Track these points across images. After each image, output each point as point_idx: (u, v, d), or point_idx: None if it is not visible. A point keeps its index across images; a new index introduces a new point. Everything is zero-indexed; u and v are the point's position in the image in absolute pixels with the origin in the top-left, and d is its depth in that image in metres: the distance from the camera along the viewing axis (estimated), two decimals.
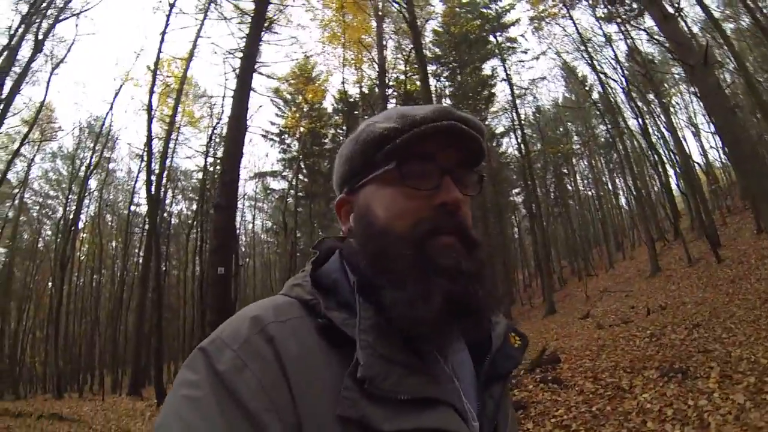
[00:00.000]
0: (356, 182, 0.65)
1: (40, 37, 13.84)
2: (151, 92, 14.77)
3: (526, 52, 21.75)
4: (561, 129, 29.51)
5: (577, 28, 19.47)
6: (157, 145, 16.55)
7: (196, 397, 0.47)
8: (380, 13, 15.63)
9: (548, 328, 13.51)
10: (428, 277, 0.55)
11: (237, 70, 9.09)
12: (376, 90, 16.94)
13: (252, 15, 9.92)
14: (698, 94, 11.89)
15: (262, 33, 10.95)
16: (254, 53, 9.09)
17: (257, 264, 33.65)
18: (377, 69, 15.40)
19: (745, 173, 7.97)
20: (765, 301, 6.87)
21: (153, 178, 13.92)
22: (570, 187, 31.23)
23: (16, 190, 22.50)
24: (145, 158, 14.51)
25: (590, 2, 19.51)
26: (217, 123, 17.87)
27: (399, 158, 0.59)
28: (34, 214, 27.05)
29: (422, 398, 0.51)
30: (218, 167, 13.35)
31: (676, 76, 22.08)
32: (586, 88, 24.70)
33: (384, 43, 16.18)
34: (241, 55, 9.52)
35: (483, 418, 0.60)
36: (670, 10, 10.94)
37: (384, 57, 15.95)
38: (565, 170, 29.52)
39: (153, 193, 13.34)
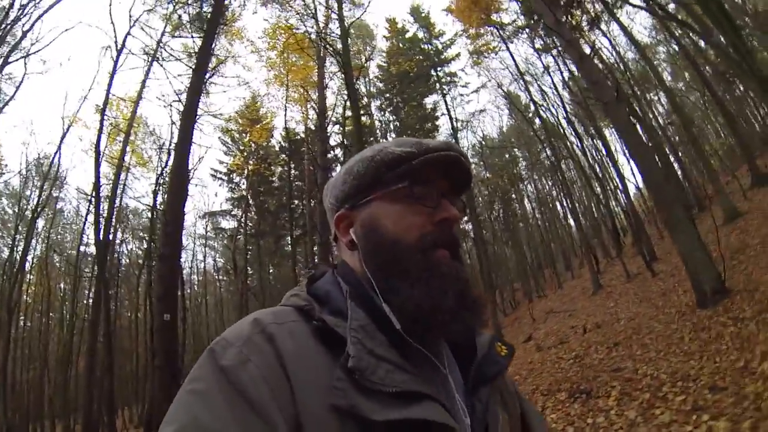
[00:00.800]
0: (362, 198, 0.73)
1: None
2: (99, 134, 15.14)
3: (466, 86, 23.28)
4: (507, 156, 31.25)
5: (514, 60, 21.01)
6: (105, 186, 17.05)
7: (201, 390, 0.52)
8: (321, 55, 16.76)
9: None
10: (439, 277, 0.66)
11: (177, 123, 9.96)
12: (314, 129, 17.94)
13: (193, 68, 10.85)
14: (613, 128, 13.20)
15: (204, 84, 11.92)
16: (195, 107, 9.86)
17: (210, 302, 33.66)
18: (317, 110, 16.43)
19: (657, 201, 8.92)
20: (682, 314, 7.37)
21: (101, 221, 14.41)
22: (519, 211, 32.92)
23: None
24: (93, 202, 14.92)
25: (529, 35, 21.22)
26: (165, 164, 18.38)
27: (411, 179, 0.70)
28: None
29: (409, 392, 0.56)
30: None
31: None
32: (529, 115, 26.53)
33: (325, 83, 17.26)
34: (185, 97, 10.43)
35: (473, 418, 0.66)
36: (587, 50, 12.47)
37: (324, 97, 17.00)
38: (513, 195, 31.28)
39: (101, 238, 13.79)
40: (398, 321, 0.63)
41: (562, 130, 21.82)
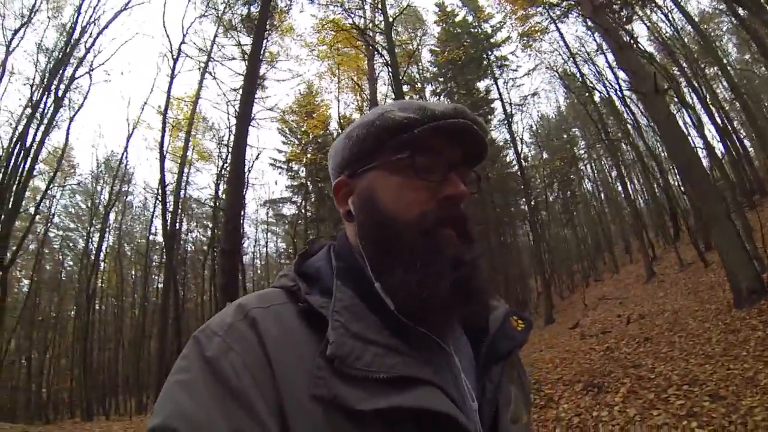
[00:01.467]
0: (361, 166, 0.70)
1: (60, 93, 15.77)
2: (163, 133, 16.47)
3: (517, 69, 23.06)
4: (565, 135, 30.56)
5: (565, 41, 20.62)
6: (170, 181, 18.50)
7: (186, 381, 0.53)
8: (370, 47, 17.22)
9: (542, 338, 13.93)
10: (436, 263, 0.61)
11: (233, 128, 10.78)
12: None
13: (244, 72, 11.65)
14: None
15: (257, 86, 12.74)
16: (249, 108, 10.61)
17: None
18: (368, 101, 16.93)
19: (697, 196, 8.87)
20: (718, 312, 7.33)
21: (168, 214, 15.71)
22: (577, 192, 32.18)
23: (40, 227, 24.58)
24: (160, 196, 16.23)
25: (581, 12, 20.64)
26: (225, 158, 19.50)
27: (413, 148, 0.65)
28: (56, 247, 29.13)
29: (400, 377, 0.53)
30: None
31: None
32: (587, 94, 25.86)
33: (376, 75, 17.70)
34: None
35: (483, 400, 0.63)
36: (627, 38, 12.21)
37: (375, 89, 17.46)
38: (572, 176, 30.59)
39: (168, 229, 15.06)
40: (392, 302, 0.61)
41: (618, 109, 21.12)
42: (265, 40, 13.99)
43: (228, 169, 10.46)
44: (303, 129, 22.49)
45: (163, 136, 16.03)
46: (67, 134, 17.40)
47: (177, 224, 19.54)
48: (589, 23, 20.39)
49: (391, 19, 12.63)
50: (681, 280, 13.37)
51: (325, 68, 19.51)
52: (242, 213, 9.38)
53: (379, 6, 14.03)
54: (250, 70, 10.37)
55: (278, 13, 16.75)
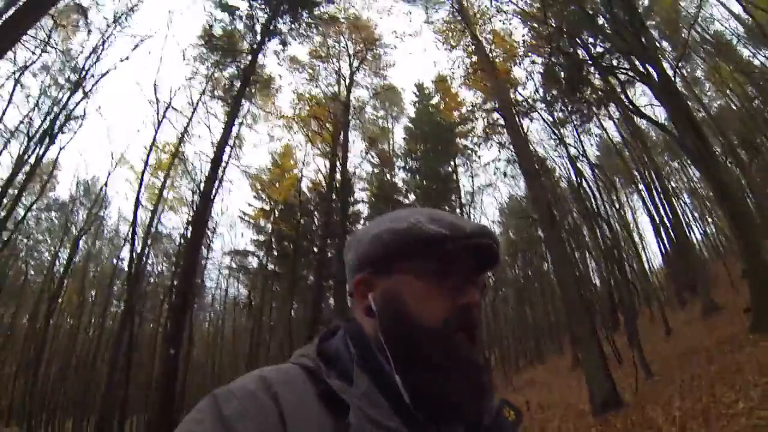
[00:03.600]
0: (385, 266, 0.77)
1: (59, 120, 18.71)
2: (142, 175, 19.59)
3: (478, 158, 26.40)
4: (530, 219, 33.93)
5: (525, 135, 24.05)
6: (144, 216, 21.48)
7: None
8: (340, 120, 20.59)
9: None
10: (456, 366, 0.71)
11: (196, 205, 13.76)
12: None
13: (211, 159, 14.79)
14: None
15: (231, 146, 16.01)
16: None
17: (229, 329, 38.09)
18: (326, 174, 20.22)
19: (570, 317, 11.29)
20: (581, 416, 9.41)
21: (137, 243, 18.51)
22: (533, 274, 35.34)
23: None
24: (130, 239, 18.99)
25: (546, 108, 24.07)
26: (195, 208, 22.24)
27: (441, 260, 0.74)
28: (22, 254, 31.37)
29: None
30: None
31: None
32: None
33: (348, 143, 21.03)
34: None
35: None
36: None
37: (346, 156, 20.79)
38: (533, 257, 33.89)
39: (132, 272, 17.77)
40: (408, 396, 0.66)
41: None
42: (240, 107, 17.22)
43: (185, 246, 13.40)
44: (275, 187, 25.66)
45: (140, 188, 19.04)
46: (57, 156, 20.30)
47: (144, 258, 22.27)
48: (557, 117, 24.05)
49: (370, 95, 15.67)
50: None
51: (301, 136, 22.95)
52: (193, 280, 12.24)
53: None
54: (225, 130, 13.48)
55: (260, 83, 19.97)
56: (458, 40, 19.69)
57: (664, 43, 23.26)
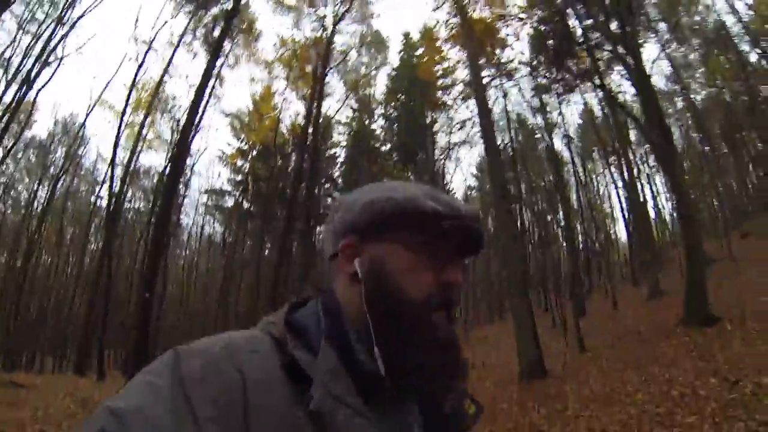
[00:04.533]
0: (375, 233, 0.77)
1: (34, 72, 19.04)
2: (123, 113, 20.19)
3: (452, 117, 27.16)
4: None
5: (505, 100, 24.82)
6: (121, 155, 22.19)
7: (158, 386, 0.58)
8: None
9: None
10: (435, 343, 0.72)
11: (174, 144, 14.53)
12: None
13: (191, 100, 15.46)
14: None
15: (212, 85, 16.68)
16: (189, 131, 14.48)
17: (202, 267, 39.44)
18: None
19: (511, 296, 12.63)
20: (509, 383, 10.58)
21: (116, 179, 19.29)
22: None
23: None
24: (109, 176, 19.75)
25: (531, 73, 24.68)
26: (175, 144, 22.90)
27: (433, 235, 0.75)
28: None
29: None
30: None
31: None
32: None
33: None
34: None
35: None
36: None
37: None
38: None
39: (111, 209, 18.59)
40: (383, 367, 0.68)
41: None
42: (221, 51, 17.79)
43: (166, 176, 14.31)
44: (253, 129, 26.30)
45: (120, 127, 19.62)
46: (36, 96, 20.70)
47: (123, 197, 23.08)
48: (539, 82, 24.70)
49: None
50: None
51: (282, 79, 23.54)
52: (169, 220, 13.16)
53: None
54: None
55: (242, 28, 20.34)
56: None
57: (661, 24, 23.57)
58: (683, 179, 13.11)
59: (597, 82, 16.32)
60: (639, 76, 13.37)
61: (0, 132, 17.59)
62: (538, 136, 28.65)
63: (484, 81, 24.59)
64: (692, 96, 28.16)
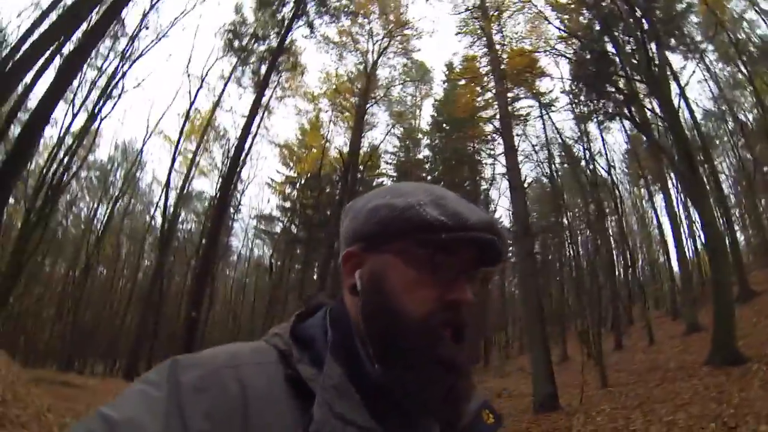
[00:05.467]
0: (376, 244, 0.74)
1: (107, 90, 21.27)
2: (178, 141, 22.13)
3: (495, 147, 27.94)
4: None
5: (545, 129, 25.40)
6: (176, 179, 24.26)
7: (153, 396, 0.59)
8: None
9: None
10: (433, 365, 0.68)
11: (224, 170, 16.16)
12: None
13: (241, 128, 17.01)
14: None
15: (261, 118, 18.28)
16: (238, 159, 16.04)
17: (251, 287, 41.41)
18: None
19: (529, 331, 13.24)
20: (523, 413, 11.13)
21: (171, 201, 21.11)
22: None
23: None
24: (162, 205, 21.69)
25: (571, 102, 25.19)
26: (226, 172, 24.85)
27: (436, 248, 0.71)
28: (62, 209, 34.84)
29: None
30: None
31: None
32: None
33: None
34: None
35: None
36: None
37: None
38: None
39: (164, 234, 20.37)
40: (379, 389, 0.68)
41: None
42: (266, 87, 19.46)
43: (212, 213, 15.89)
44: (300, 159, 28.02)
45: (175, 153, 21.62)
46: (99, 123, 22.93)
47: (176, 218, 25.03)
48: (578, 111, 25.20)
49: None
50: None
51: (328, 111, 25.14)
52: (216, 249, 14.52)
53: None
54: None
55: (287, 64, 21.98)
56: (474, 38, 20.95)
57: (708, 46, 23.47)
58: (712, 213, 13.23)
59: (626, 113, 16.88)
60: (666, 108, 13.69)
61: (68, 157, 19.70)
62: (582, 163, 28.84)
63: (523, 111, 25.61)
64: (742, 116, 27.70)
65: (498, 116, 18.80)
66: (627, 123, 25.51)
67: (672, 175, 27.05)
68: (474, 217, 0.72)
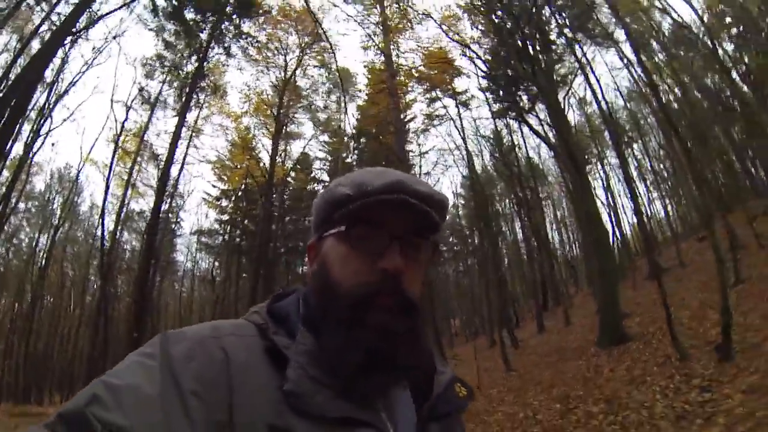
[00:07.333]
0: (321, 232, 0.85)
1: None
2: (110, 165, 23.58)
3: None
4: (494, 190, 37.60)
5: (462, 129, 27.35)
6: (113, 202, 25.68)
7: (149, 365, 0.66)
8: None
9: None
10: (354, 332, 0.73)
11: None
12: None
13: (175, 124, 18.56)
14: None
15: (183, 158, 19.89)
16: (166, 179, 17.80)
17: (198, 302, 43.47)
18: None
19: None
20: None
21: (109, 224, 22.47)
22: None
23: None
24: (100, 220, 22.94)
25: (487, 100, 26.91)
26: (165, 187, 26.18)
27: (349, 222, 0.78)
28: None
29: (346, 417, 0.68)
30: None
31: None
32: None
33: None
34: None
35: None
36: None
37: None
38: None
39: (104, 266, 21.65)
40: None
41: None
42: (188, 110, 21.17)
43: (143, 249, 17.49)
44: (229, 174, 29.98)
45: (110, 166, 22.99)
46: (32, 156, 24.03)
47: (117, 238, 26.35)
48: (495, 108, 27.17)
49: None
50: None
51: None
52: (150, 271, 16.16)
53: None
54: (179, 122, 17.40)
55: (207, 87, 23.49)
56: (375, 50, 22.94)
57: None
58: (595, 207, 14.73)
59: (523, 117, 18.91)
60: (553, 112, 15.49)
61: (6, 191, 20.80)
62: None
63: (443, 111, 27.53)
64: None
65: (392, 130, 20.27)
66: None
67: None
68: (378, 182, 0.78)
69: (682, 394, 6.42)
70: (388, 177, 0.79)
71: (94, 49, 22.23)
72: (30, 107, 22.54)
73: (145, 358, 0.67)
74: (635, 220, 28.00)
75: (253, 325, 0.77)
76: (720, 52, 23.48)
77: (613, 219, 28.31)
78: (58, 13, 16.81)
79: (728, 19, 25.17)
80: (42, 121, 22.52)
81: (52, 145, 25.23)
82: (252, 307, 0.85)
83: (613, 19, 21.44)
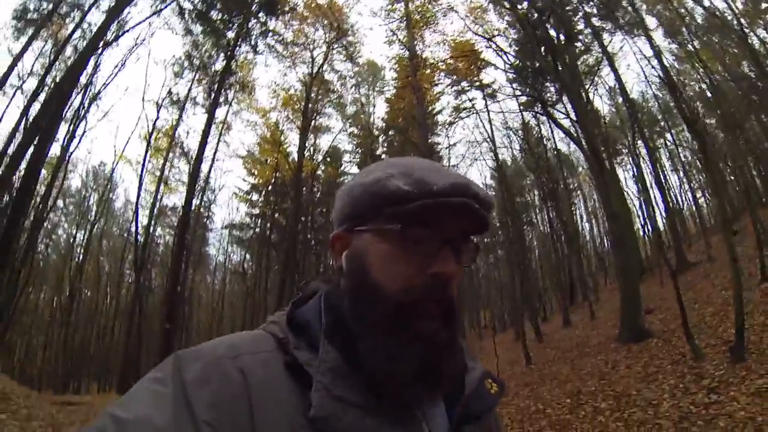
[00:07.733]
0: (356, 224, 0.77)
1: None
2: (143, 162, 24.43)
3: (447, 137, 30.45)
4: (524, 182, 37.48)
5: (490, 121, 27.36)
6: (146, 197, 26.90)
7: (160, 392, 0.62)
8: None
9: None
10: (407, 341, 0.69)
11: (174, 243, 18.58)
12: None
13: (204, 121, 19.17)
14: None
15: (214, 153, 20.42)
16: (197, 173, 18.37)
17: (229, 294, 44.63)
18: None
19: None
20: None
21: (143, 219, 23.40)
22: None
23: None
24: (133, 216, 23.89)
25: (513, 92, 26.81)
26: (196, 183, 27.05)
27: (405, 221, 0.71)
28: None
29: None
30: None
31: None
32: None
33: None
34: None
35: None
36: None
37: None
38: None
39: (138, 262, 22.46)
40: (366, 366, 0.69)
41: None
42: (218, 105, 21.74)
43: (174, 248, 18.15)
44: (260, 168, 30.67)
45: (143, 163, 23.74)
46: (69, 156, 25.07)
47: (148, 235, 27.25)
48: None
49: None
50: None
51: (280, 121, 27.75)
52: (181, 270, 16.70)
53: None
54: (208, 119, 18.01)
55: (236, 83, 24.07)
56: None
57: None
58: (618, 202, 14.63)
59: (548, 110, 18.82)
60: (576, 108, 15.25)
61: (45, 189, 21.80)
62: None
63: (469, 104, 27.51)
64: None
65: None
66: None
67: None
68: (441, 182, 0.72)
69: (690, 395, 6.50)
70: (452, 177, 0.74)
71: (124, 52, 23.29)
72: (66, 110, 23.92)
73: (157, 385, 0.63)
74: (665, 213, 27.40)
75: (272, 338, 0.74)
76: (755, 40, 22.99)
77: (645, 212, 27.67)
78: (89, 23, 17.74)
79: (764, 5, 24.37)
80: (77, 122, 23.59)
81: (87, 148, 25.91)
82: (271, 315, 0.83)
83: (644, 6, 21.35)
